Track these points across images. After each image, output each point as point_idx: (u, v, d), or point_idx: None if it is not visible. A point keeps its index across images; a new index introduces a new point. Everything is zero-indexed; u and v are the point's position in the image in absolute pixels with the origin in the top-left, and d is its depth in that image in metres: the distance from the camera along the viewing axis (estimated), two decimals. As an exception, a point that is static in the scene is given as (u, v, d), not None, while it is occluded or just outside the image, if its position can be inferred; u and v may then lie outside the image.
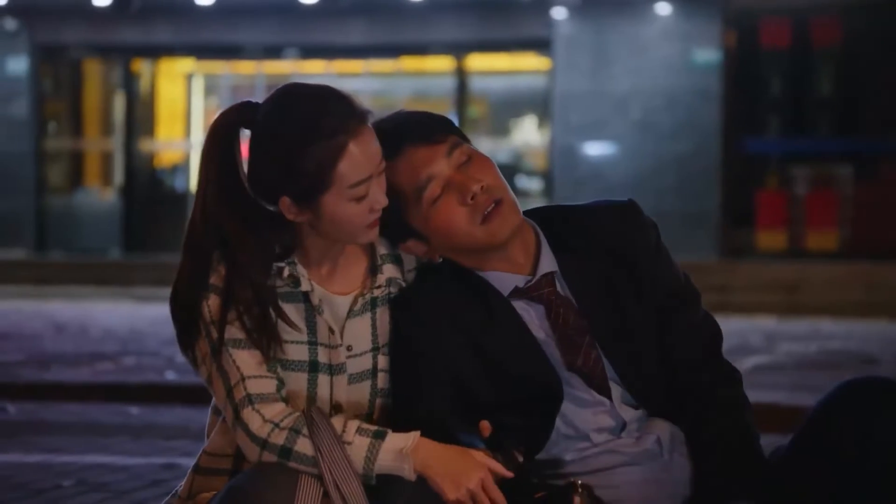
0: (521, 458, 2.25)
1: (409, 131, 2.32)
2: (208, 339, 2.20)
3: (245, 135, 2.24)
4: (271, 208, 2.21)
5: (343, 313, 2.28)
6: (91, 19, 18.20)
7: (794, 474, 2.28)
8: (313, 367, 2.26)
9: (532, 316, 2.38)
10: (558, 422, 2.34)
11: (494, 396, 2.33)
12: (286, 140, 2.17)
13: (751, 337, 10.31)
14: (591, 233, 2.41)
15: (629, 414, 2.37)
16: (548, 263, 2.39)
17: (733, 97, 17.08)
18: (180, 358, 2.27)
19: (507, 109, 18.71)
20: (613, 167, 16.97)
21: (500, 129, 18.72)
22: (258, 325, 2.20)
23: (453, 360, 2.33)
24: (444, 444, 2.17)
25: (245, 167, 2.23)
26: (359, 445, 2.15)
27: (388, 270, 2.34)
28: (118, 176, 18.92)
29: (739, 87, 17.22)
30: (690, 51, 16.85)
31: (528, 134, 18.55)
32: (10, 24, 18.30)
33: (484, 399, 2.33)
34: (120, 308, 13.11)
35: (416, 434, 2.17)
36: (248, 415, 2.17)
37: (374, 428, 2.17)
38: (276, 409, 2.18)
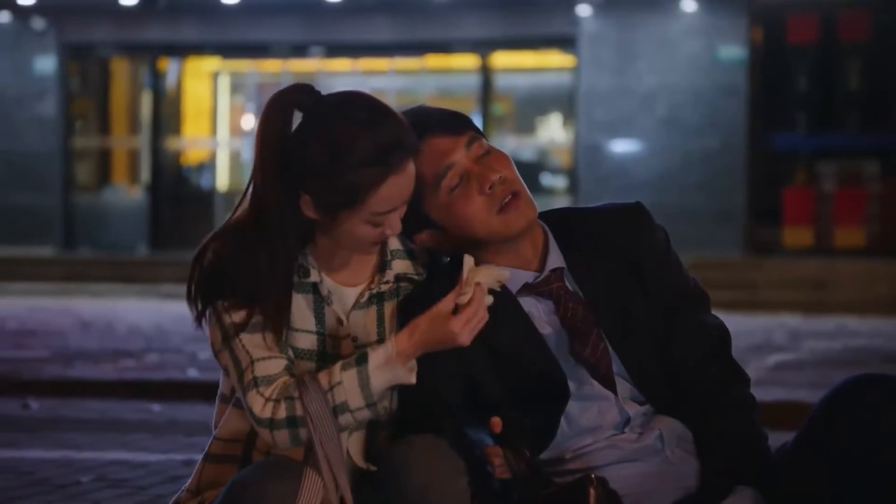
0: (528, 454, 2.27)
1: (431, 122, 2.36)
2: (220, 327, 2.23)
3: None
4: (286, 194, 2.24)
5: (350, 305, 2.31)
6: (118, 18, 18.31)
7: (797, 471, 2.29)
8: (321, 357, 2.29)
9: (540, 312, 2.40)
10: (563, 418, 2.36)
11: (502, 393, 2.36)
12: (332, 152, 2.19)
13: (775, 334, 10.27)
14: (599, 233, 2.44)
15: (633, 409, 2.38)
16: (556, 260, 2.43)
17: (760, 93, 17.01)
18: (203, 355, 2.30)
19: (532, 107, 18.70)
20: (639, 164, 16.93)
21: (525, 126, 18.71)
22: (272, 310, 2.22)
23: (463, 356, 2.34)
24: (412, 326, 2.20)
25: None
26: (349, 380, 2.18)
27: (398, 266, 2.37)
28: (145, 174, 19.02)
29: (766, 82, 17.14)
30: (716, 47, 16.79)
31: (553, 131, 18.53)
32: (39, 23, 18.43)
33: (492, 395, 2.35)
34: (145, 305, 13.19)
35: (391, 340, 2.20)
36: (252, 398, 2.20)
37: (354, 357, 2.21)
38: (273, 386, 2.20)
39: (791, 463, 2.31)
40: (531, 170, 18.27)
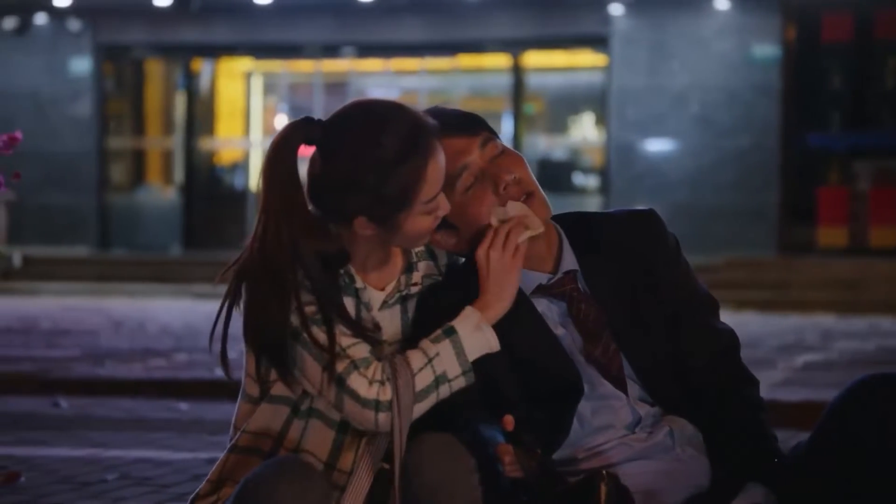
0: (539, 453, 2.28)
1: (446, 123, 2.36)
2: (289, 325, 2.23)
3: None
4: (336, 225, 2.26)
5: (377, 306, 2.34)
6: (153, 19, 18.44)
7: (810, 469, 2.30)
8: None
9: (553, 313, 2.43)
10: (575, 417, 2.37)
11: (515, 391, 2.38)
12: (365, 165, 2.21)
13: (807, 334, 10.21)
14: (613, 237, 2.47)
15: (644, 409, 2.40)
16: (570, 262, 2.45)
17: (793, 92, 16.91)
18: (232, 354, 2.31)
19: (564, 106, 18.68)
20: (671, 164, 16.88)
21: (557, 126, 18.68)
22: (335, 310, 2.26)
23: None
24: (480, 295, 2.29)
25: (306, 183, 2.26)
26: (445, 350, 2.24)
27: (423, 268, 2.40)
28: (179, 174, 19.14)
29: (800, 81, 17.05)
30: (749, 46, 16.71)
31: (585, 131, 18.50)
32: (74, 24, 18.59)
33: (505, 394, 2.37)
34: (178, 305, 13.27)
35: (469, 309, 2.27)
36: (356, 381, 2.21)
37: (440, 331, 2.26)
38: (371, 368, 2.23)
39: (804, 461, 2.32)
40: (563, 169, 18.26)
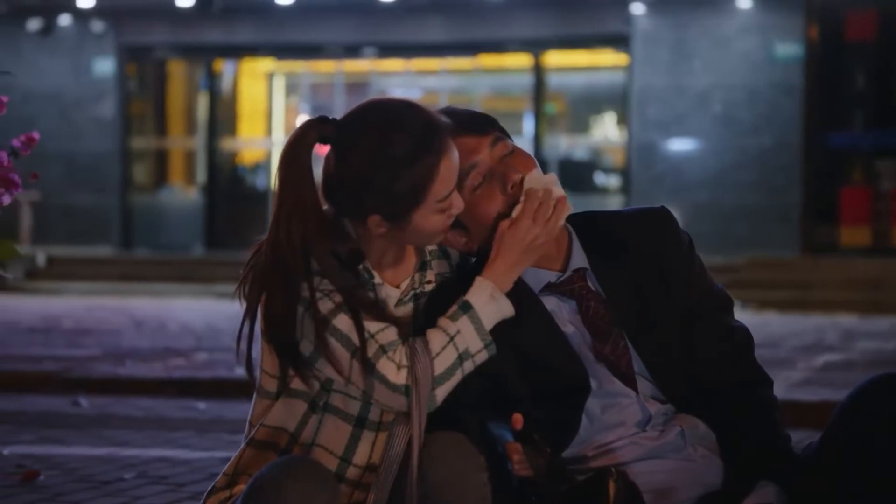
0: (548, 451, 2.28)
1: (456, 122, 2.37)
2: (312, 316, 2.24)
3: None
4: (351, 223, 2.29)
5: (392, 304, 2.36)
6: (175, 20, 18.52)
7: (821, 469, 2.30)
8: None
9: (563, 311, 2.43)
10: (584, 415, 2.38)
11: (524, 389, 2.38)
12: (379, 163, 2.23)
13: (828, 334, 10.16)
14: (623, 236, 2.47)
15: (655, 408, 2.40)
16: (579, 260, 2.46)
17: (816, 91, 16.83)
18: (252, 353, 2.33)
19: (586, 106, 18.66)
20: (693, 163, 16.83)
21: (578, 125, 18.66)
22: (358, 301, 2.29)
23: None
24: (491, 260, 2.31)
25: (321, 181, 2.28)
26: (465, 326, 2.26)
27: (437, 266, 2.42)
28: (201, 174, 19.21)
29: (822, 80, 16.96)
30: (772, 44, 16.65)
31: (607, 130, 18.47)
32: (98, 25, 18.68)
33: (514, 392, 2.38)
34: (200, 304, 13.33)
35: (480, 279, 2.29)
36: (385, 365, 2.23)
37: (455, 307, 2.28)
38: (398, 351, 2.25)
39: (815, 461, 2.32)
40: (584, 169, 18.23)
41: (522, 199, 2.34)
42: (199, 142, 19.27)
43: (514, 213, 2.33)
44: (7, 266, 3.31)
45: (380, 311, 2.26)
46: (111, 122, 18.75)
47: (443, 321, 2.27)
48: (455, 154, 2.28)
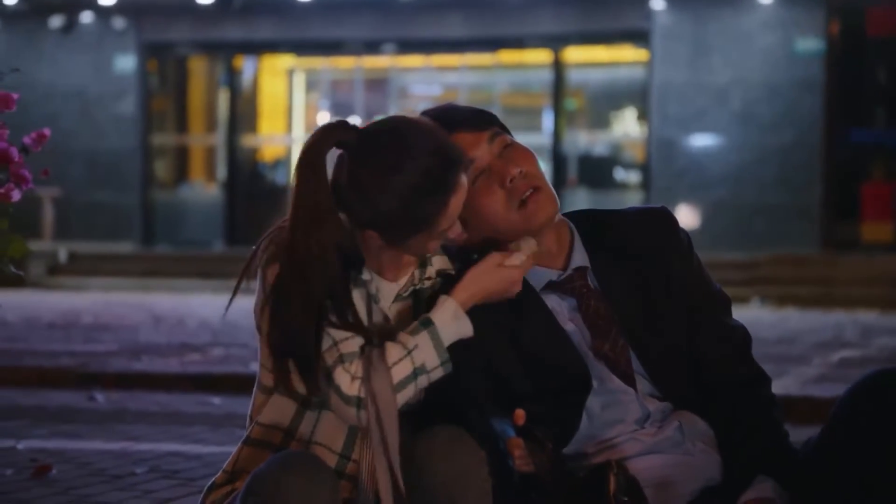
0: (550, 446, 2.29)
1: (455, 119, 2.39)
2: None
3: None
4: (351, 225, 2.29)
5: (391, 299, 2.37)
6: (196, 17, 18.57)
7: (821, 464, 2.30)
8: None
9: (563, 309, 2.45)
10: (584, 413, 2.39)
11: (526, 386, 2.40)
12: (391, 191, 2.23)
13: (847, 330, 10.12)
14: (624, 234, 2.49)
15: (654, 405, 2.42)
16: (580, 258, 2.47)
17: (837, 87, 16.75)
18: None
19: (605, 102, 18.61)
20: (713, 159, 16.77)
21: (598, 121, 18.62)
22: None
23: (489, 349, 2.39)
24: (466, 281, 2.31)
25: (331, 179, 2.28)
26: (423, 342, 2.26)
27: (438, 262, 2.42)
28: (221, 171, 19.27)
29: (844, 76, 16.87)
30: (793, 40, 16.57)
31: (627, 126, 18.43)
32: (119, 22, 18.76)
33: (516, 388, 2.39)
34: (219, 300, 13.32)
35: (445, 298, 2.29)
36: (340, 375, 2.24)
37: (417, 322, 2.29)
38: (356, 364, 2.25)
39: (815, 456, 2.33)
40: (604, 165, 18.19)
41: (521, 246, 2.35)
42: (219, 138, 19.32)
43: (511, 250, 2.34)
44: (20, 263, 3.33)
45: (352, 319, 2.26)
46: (132, 119, 18.83)
47: (402, 335, 2.27)
48: (464, 188, 2.27)
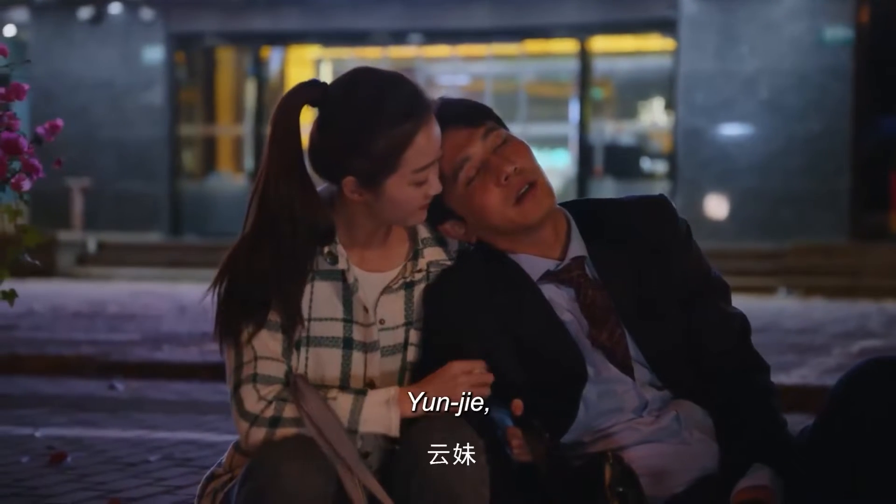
0: (547, 436, 2.30)
1: (449, 114, 2.39)
2: (234, 318, 2.29)
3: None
4: (331, 186, 2.32)
5: (378, 290, 2.37)
6: (223, 8, 18.64)
7: (816, 453, 2.30)
8: (347, 343, 2.34)
9: (561, 298, 2.44)
10: (582, 402, 2.39)
11: (522, 377, 2.39)
12: (359, 123, 2.25)
13: (871, 320, 10.05)
14: (622, 223, 2.48)
15: (651, 394, 2.41)
16: (578, 248, 2.47)
17: (866, 75, 16.62)
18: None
19: (632, 91, 18.55)
20: (740, 148, 16.69)
21: (625, 111, 18.56)
22: (289, 304, 2.28)
23: (486, 339, 2.40)
24: (422, 382, 2.28)
25: (307, 145, 2.32)
26: (343, 400, 2.25)
27: (430, 254, 2.42)
28: (249, 161, 19.34)
29: (873, 64, 16.74)
30: (821, 28, 16.45)
31: (654, 116, 18.36)
32: (147, 14, 18.85)
33: (513, 379, 2.39)
34: (245, 290, 13.38)
35: (395, 387, 2.27)
36: (246, 391, 2.25)
37: (356, 388, 2.29)
38: (270, 388, 2.27)
39: (810, 445, 2.33)
40: (631, 155, 18.13)
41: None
42: (246, 129, 19.39)
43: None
44: (44, 252, 3.36)
45: (282, 345, 2.26)
46: (160, 110, 18.92)
47: (333, 388, 2.27)
48: (436, 131, 2.29)
